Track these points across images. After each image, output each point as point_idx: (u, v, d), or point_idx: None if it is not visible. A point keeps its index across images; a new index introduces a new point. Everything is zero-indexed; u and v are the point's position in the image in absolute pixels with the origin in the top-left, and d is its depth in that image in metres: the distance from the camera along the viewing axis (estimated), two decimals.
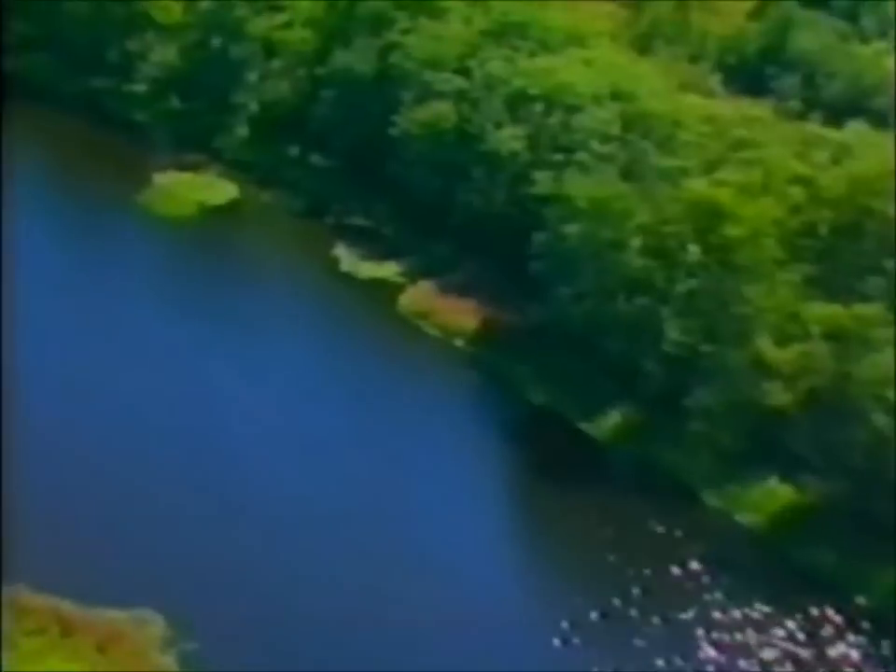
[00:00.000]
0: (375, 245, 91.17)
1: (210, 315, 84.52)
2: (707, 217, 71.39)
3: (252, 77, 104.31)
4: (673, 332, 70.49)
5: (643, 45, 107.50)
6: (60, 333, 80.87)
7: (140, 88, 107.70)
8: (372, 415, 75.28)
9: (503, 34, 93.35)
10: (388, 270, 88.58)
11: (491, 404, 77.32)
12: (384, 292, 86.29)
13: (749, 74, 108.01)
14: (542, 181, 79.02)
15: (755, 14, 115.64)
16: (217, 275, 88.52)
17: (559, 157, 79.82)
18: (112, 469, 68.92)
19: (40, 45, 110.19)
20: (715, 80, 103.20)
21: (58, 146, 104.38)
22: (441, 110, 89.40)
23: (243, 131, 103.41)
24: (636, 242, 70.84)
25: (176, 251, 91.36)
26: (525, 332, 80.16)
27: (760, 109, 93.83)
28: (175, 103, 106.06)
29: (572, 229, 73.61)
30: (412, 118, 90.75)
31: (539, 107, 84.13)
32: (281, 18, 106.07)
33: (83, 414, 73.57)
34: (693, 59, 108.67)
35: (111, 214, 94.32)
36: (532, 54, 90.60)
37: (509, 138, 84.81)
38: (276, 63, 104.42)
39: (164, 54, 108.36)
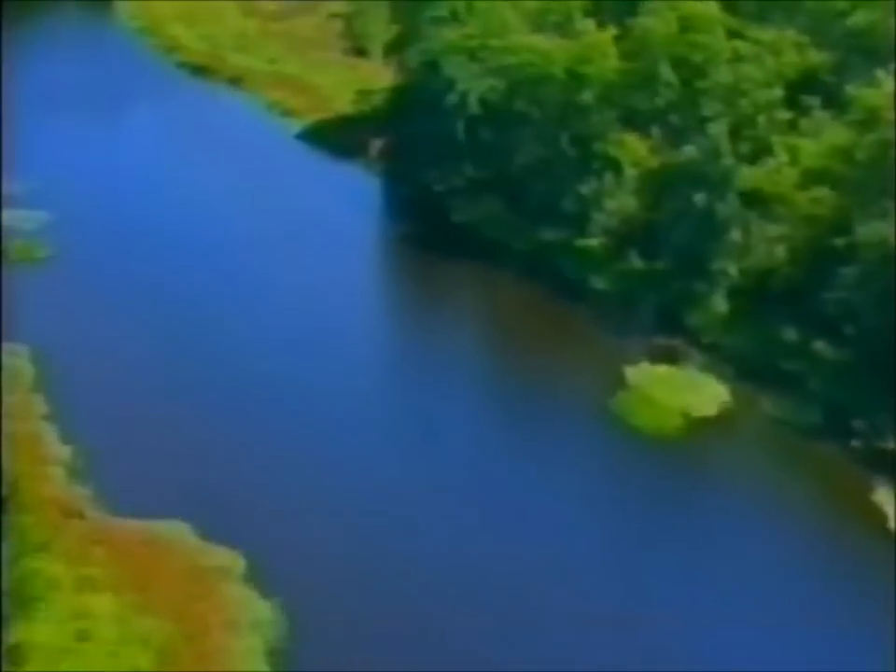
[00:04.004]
0: None
1: (685, 562, 56.10)
2: None
3: (734, 236, 75.23)
4: None
5: None
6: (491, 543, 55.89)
7: (594, 242, 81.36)
8: None
9: None
10: None
11: None
12: None
13: None
14: None
15: None
16: (699, 513, 59.83)
17: None
18: None
19: (490, 191, 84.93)
20: None
21: (503, 315, 77.99)
22: None
23: (722, 305, 74.17)
24: None
25: (654, 475, 62.12)
26: None
27: None
28: (634, 262, 78.20)
29: None
30: None
31: None
32: (774, 163, 77.44)
33: None
34: None
35: (572, 417, 66.59)
36: None
37: None
38: (768, 223, 75.50)
39: (622, 202, 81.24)
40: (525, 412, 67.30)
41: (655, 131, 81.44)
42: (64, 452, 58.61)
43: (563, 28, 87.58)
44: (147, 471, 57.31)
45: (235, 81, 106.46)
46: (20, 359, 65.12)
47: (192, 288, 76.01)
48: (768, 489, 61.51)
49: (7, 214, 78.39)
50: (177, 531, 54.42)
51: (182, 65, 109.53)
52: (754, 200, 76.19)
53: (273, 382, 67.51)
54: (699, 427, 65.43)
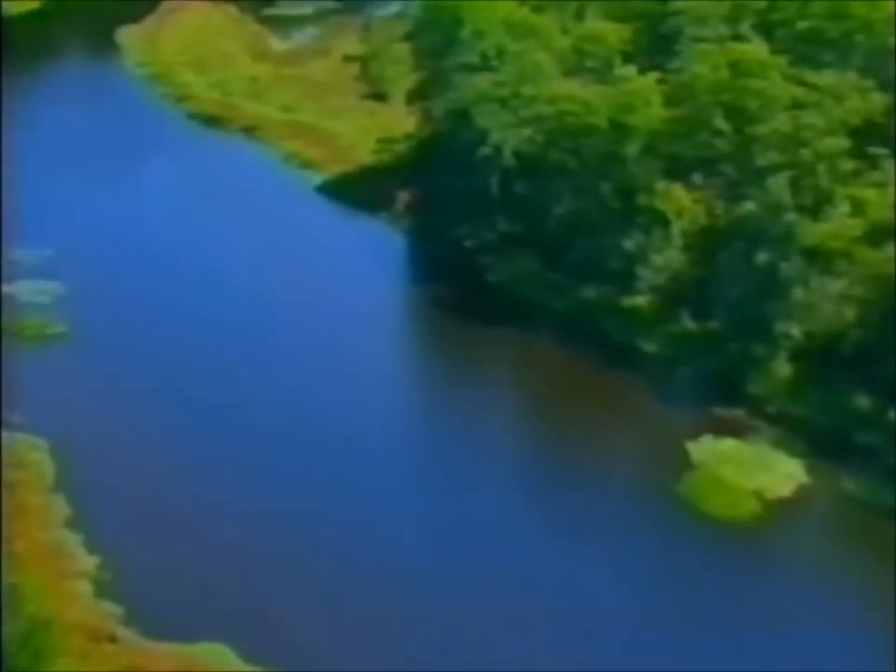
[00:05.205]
0: None
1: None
2: None
3: (797, 295, 69.61)
4: None
5: None
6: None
7: (641, 301, 76.01)
8: None
9: None
10: None
11: None
12: None
13: None
14: None
15: None
16: (781, 612, 53.78)
17: None
18: None
19: (525, 247, 79.36)
20: None
21: (545, 383, 71.61)
22: None
23: (785, 370, 68.54)
24: None
25: (733, 570, 56.32)
26: None
27: None
28: (686, 323, 72.75)
29: None
30: None
31: None
32: (836, 215, 71.72)
33: None
34: None
35: (635, 503, 60.47)
36: None
37: None
38: (830, 280, 70.45)
39: (670, 257, 75.81)
40: (582, 497, 61.32)
41: (701, 180, 76.52)
42: (90, 563, 52.95)
43: (600, 73, 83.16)
44: (182, 583, 51.68)
45: (250, 131, 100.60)
46: (39, 453, 59.65)
47: (215, 364, 70.28)
48: (854, 583, 55.51)
49: (18, 286, 73.29)
50: (218, 654, 48.79)
51: (193, 115, 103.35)
52: (814, 254, 71.52)
53: (301, 467, 61.74)
54: (775, 511, 59.67)
